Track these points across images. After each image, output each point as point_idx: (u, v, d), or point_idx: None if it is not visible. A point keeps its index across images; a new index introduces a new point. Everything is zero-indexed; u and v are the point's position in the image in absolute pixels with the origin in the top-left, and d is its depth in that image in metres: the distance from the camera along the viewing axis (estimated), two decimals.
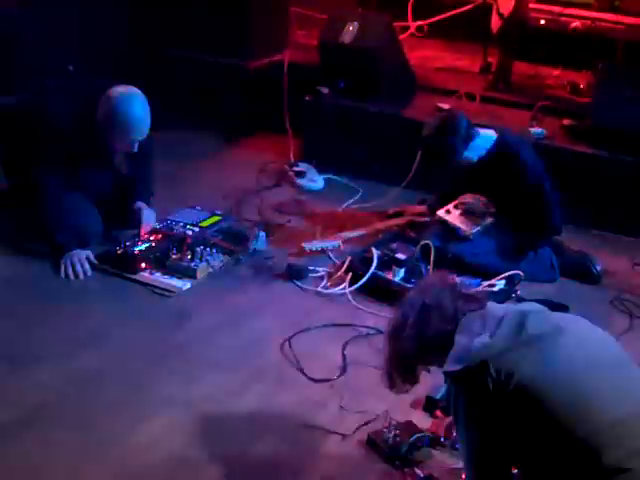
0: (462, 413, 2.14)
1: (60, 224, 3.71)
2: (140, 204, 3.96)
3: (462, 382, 2.12)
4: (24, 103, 3.98)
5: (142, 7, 5.57)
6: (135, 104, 3.65)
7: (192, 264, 3.73)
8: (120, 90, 3.68)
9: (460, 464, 2.44)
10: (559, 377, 2.02)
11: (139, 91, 3.70)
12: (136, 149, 3.74)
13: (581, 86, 5.46)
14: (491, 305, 2.24)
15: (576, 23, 5.65)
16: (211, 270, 3.78)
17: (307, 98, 5.22)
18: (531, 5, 5.76)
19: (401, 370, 2.34)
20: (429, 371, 2.38)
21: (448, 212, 4.03)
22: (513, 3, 5.56)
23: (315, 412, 2.89)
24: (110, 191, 3.99)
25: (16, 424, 2.70)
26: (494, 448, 2.10)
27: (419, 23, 6.52)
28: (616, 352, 2.17)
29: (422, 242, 3.81)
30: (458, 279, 3.60)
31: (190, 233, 3.94)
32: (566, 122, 4.93)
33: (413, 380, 2.37)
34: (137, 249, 3.75)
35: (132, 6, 5.57)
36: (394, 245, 3.90)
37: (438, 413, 2.84)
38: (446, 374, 2.17)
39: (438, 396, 2.87)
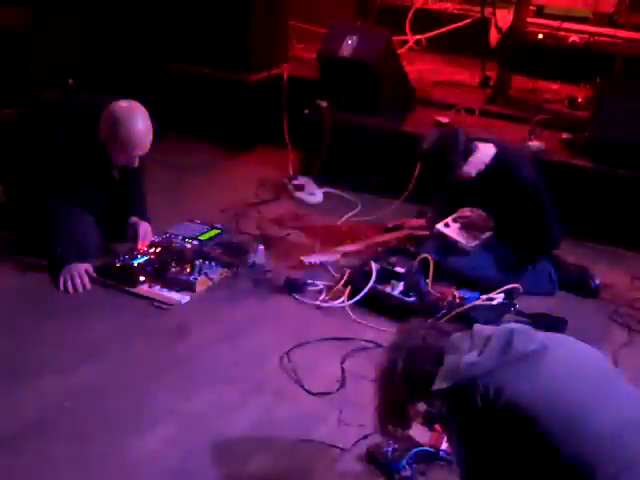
0: (454, 430, 2.15)
1: (59, 237, 3.71)
2: (135, 218, 3.96)
3: (451, 399, 2.13)
4: (24, 117, 3.98)
5: (143, 21, 5.60)
6: (138, 120, 3.65)
7: (191, 277, 3.73)
8: (123, 105, 3.68)
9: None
10: (547, 394, 2.03)
11: (141, 106, 3.71)
12: (137, 164, 3.75)
13: (579, 100, 5.48)
14: (478, 326, 2.26)
15: (574, 37, 5.68)
16: (210, 283, 3.78)
17: (306, 112, 5.23)
18: (529, 19, 5.80)
19: (393, 416, 2.35)
20: (421, 415, 2.37)
21: (447, 226, 4.03)
22: (511, 17, 5.60)
23: (314, 426, 2.89)
24: (108, 204, 4.00)
25: (15, 438, 2.69)
26: (487, 465, 2.10)
27: (418, 37, 6.56)
28: (604, 368, 2.19)
29: (421, 256, 3.82)
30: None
31: (189, 246, 3.95)
32: (564, 136, 4.94)
33: (405, 426, 2.39)
34: (136, 262, 3.75)
35: (133, 20, 5.59)
36: (393, 259, 3.90)
37: (437, 427, 2.83)
38: (435, 392, 2.17)
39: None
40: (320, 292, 3.82)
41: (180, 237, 4.04)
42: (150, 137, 3.68)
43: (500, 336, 2.15)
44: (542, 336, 2.21)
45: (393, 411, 2.34)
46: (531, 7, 5.93)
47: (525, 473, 2.04)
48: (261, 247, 4.04)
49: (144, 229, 3.94)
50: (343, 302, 3.72)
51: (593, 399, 2.04)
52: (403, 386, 2.26)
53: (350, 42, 5.13)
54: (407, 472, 2.65)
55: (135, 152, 3.68)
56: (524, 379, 2.06)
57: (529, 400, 2.02)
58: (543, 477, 2.01)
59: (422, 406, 2.31)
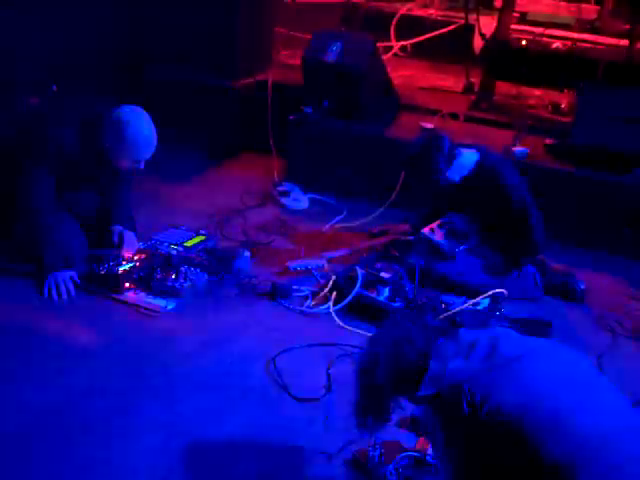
0: (440, 435, 2.15)
1: (48, 244, 3.70)
2: (119, 227, 3.95)
3: (438, 405, 2.13)
4: (16, 122, 3.95)
5: (127, 26, 5.59)
6: (144, 124, 3.68)
7: (176, 284, 3.72)
8: (128, 111, 3.69)
9: None
10: (532, 398, 2.05)
11: (144, 111, 3.72)
12: (143, 167, 3.76)
13: (562, 106, 5.52)
14: (463, 330, 2.27)
15: (557, 44, 5.72)
16: (195, 290, 3.77)
17: (291, 118, 5.24)
18: (512, 26, 5.83)
19: (374, 408, 2.36)
20: (402, 408, 2.39)
21: (432, 231, 4.04)
22: (495, 24, 5.63)
23: (300, 431, 2.88)
24: (94, 212, 4.00)
25: None
26: (473, 468, 2.11)
27: (402, 43, 6.59)
28: (589, 372, 2.20)
29: (407, 261, 3.82)
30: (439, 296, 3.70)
31: (174, 253, 3.94)
32: (548, 141, 4.97)
33: (385, 418, 2.39)
34: (121, 269, 3.74)
35: (117, 26, 5.58)
36: (378, 264, 3.91)
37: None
38: (422, 398, 2.18)
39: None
40: (306, 298, 3.82)
41: (165, 243, 4.04)
42: (155, 141, 3.70)
43: (485, 341, 2.16)
44: (527, 340, 2.23)
45: (373, 404, 2.34)
46: (514, 14, 5.97)
47: (510, 475, 2.05)
48: (246, 253, 4.03)
49: (129, 237, 3.94)
50: (329, 308, 3.72)
51: (577, 403, 2.05)
52: (384, 379, 2.27)
53: (335, 48, 5.14)
54: (393, 477, 2.65)
55: (141, 156, 3.70)
56: (509, 383, 2.07)
57: (514, 404, 2.03)
58: (528, 479, 2.02)
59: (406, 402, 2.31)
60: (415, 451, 2.74)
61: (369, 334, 3.45)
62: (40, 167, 3.68)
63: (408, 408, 2.70)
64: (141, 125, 3.66)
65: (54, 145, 3.68)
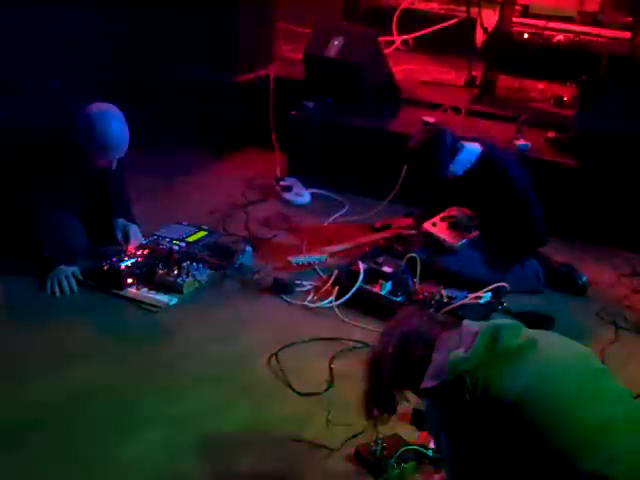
0: (444, 428, 2.16)
1: (47, 240, 3.70)
2: (122, 221, 3.95)
3: (440, 397, 2.14)
4: (5, 120, 3.95)
5: (127, 22, 5.58)
6: (113, 122, 3.61)
7: (179, 279, 3.72)
8: (98, 108, 3.65)
9: None
10: (533, 388, 2.05)
11: (116, 108, 3.67)
12: (115, 166, 3.73)
13: (565, 99, 5.50)
14: (466, 322, 2.28)
15: (559, 37, 5.70)
16: (198, 285, 3.77)
17: (293, 112, 5.23)
18: (515, 19, 5.81)
19: (380, 399, 2.37)
20: (409, 401, 2.40)
21: (434, 225, 4.04)
22: (497, 17, 5.61)
23: (302, 426, 2.89)
24: (93, 207, 3.99)
25: (0, 442, 2.68)
26: (475, 460, 2.12)
27: (404, 37, 6.56)
28: (590, 363, 2.21)
29: (409, 255, 3.82)
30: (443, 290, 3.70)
31: (177, 248, 3.94)
32: (550, 135, 4.95)
33: (392, 410, 2.41)
34: (123, 265, 3.74)
35: (118, 22, 5.57)
36: (380, 258, 3.90)
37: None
38: (424, 391, 2.18)
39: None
40: (308, 293, 3.82)
41: (167, 239, 4.03)
42: (126, 139, 3.65)
43: (487, 332, 2.17)
44: (529, 332, 2.23)
45: (380, 394, 2.36)
46: (516, 7, 5.95)
47: (512, 466, 2.06)
48: (249, 248, 4.04)
49: (134, 231, 3.93)
50: (331, 302, 3.72)
51: (578, 394, 2.06)
52: (392, 369, 2.28)
53: (336, 42, 5.14)
54: (395, 471, 2.65)
55: (112, 155, 3.66)
56: (511, 374, 2.07)
57: (515, 394, 2.04)
58: (529, 470, 2.02)
59: (411, 396, 2.33)
60: (417, 445, 2.74)
61: (372, 328, 3.47)
62: (28, 164, 3.65)
63: (412, 402, 2.72)
64: (110, 124, 3.59)
65: (27, 143, 3.66)
